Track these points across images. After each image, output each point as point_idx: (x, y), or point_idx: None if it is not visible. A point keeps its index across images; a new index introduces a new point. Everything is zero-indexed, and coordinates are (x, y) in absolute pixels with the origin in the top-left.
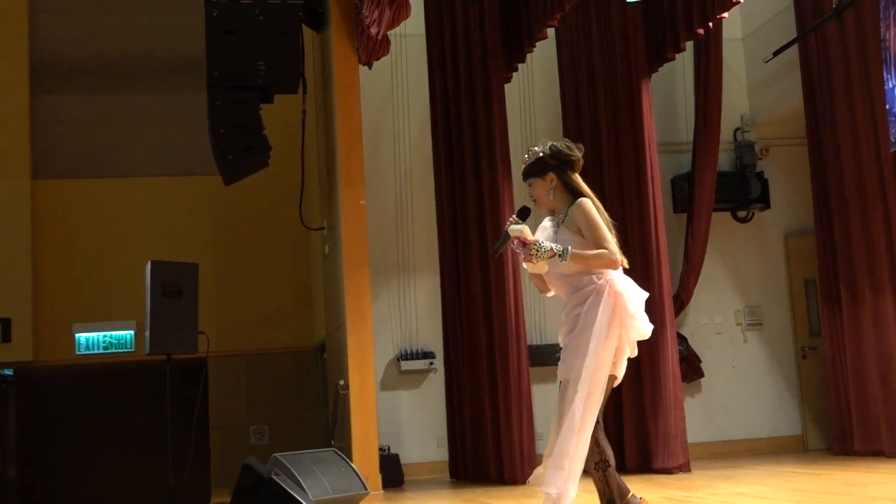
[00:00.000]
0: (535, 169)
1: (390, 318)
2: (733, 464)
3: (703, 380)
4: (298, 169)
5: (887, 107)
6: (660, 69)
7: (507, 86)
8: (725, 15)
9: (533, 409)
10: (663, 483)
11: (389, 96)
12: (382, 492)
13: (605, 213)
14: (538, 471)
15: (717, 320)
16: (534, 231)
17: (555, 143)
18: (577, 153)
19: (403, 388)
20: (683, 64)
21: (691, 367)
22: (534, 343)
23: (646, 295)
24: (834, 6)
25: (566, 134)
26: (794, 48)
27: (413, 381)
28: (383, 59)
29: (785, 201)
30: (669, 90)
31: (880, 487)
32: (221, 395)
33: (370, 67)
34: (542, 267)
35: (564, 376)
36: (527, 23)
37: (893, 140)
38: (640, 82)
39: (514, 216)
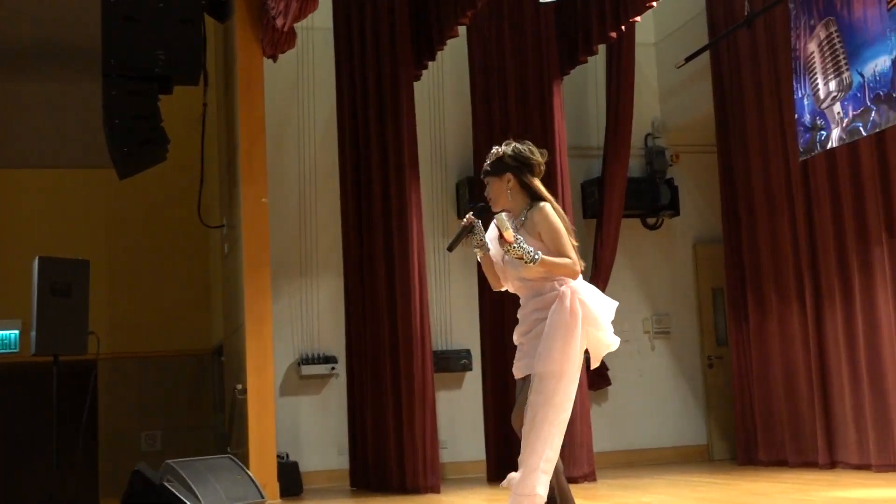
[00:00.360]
0: (494, 168)
1: (291, 321)
2: (638, 473)
3: (609, 388)
4: (198, 164)
5: (796, 116)
6: (572, 71)
7: (416, 84)
8: (638, 19)
9: (437, 417)
10: None
11: (294, 91)
12: (280, 500)
13: (566, 217)
14: (513, 476)
15: (624, 328)
16: (486, 227)
17: (518, 145)
18: (539, 157)
19: (304, 393)
20: (596, 67)
21: (598, 375)
22: (439, 348)
23: (615, 304)
24: (745, 14)
25: (475, 135)
26: (706, 55)
27: (314, 386)
28: (289, 52)
29: (694, 208)
30: (581, 93)
31: (783, 497)
32: (112, 399)
33: (275, 60)
34: (514, 254)
35: (520, 374)
36: (437, 20)
37: (802, 149)
38: (552, 84)
39: (471, 213)
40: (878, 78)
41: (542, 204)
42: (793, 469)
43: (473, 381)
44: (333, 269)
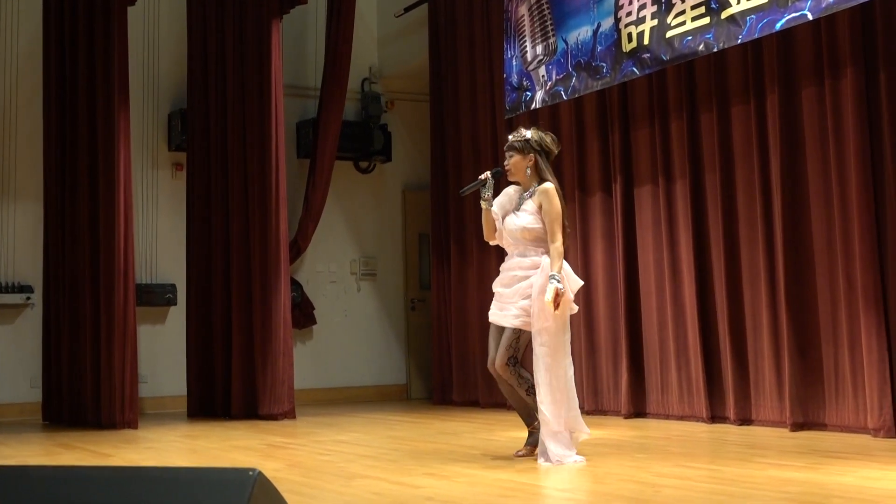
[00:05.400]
0: (520, 147)
1: None
2: (338, 411)
3: (315, 327)
4: None
5: (505, 75)
6: (292, 10)
7: (130, 9)
8: None
9: (138, 351)
10: (267, 429)
11: None
12: None
13: (563, 202)
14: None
15: (332, 268)
16: (497, 193)
17: (542, 133)
18: (556, 148)
19: None
20: (317, 9)
21: (304, 314)
22: (142, 282)
23: (581, 283)
24: None
25: (190, 68)
26: (425, 6)
27: (6, 316)
28: None
29: (405, 155)
30: (301, 34)
31: (470, 436)
32: None
33: None
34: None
35: (496, 321)
36: None
37: (508, 107)
38: (271, 22)
39: (488, 172)
40: (580, 46)
41: (549, 185)
42: (484, 410)
43: (178, 315)
44: (32, 195)
